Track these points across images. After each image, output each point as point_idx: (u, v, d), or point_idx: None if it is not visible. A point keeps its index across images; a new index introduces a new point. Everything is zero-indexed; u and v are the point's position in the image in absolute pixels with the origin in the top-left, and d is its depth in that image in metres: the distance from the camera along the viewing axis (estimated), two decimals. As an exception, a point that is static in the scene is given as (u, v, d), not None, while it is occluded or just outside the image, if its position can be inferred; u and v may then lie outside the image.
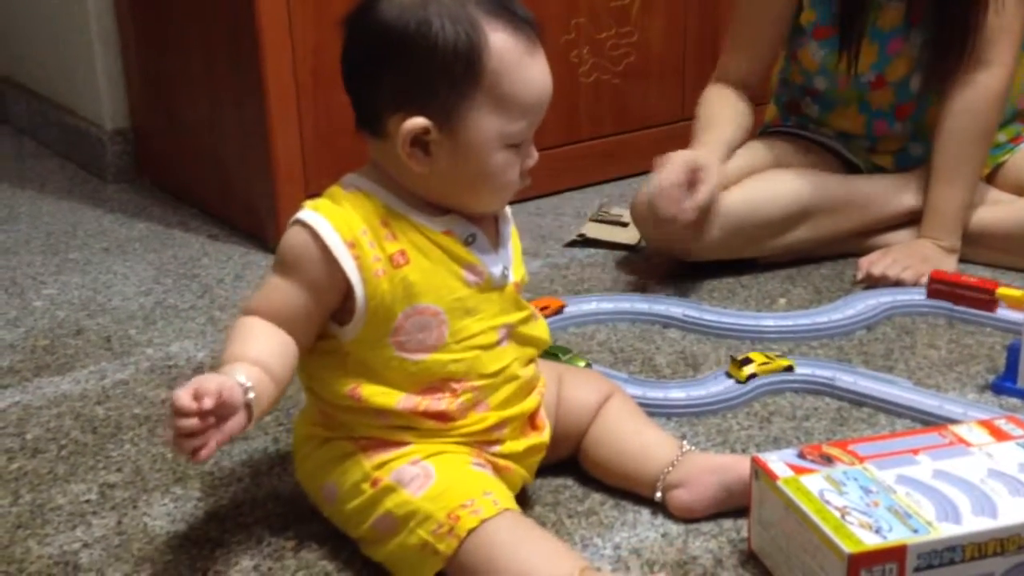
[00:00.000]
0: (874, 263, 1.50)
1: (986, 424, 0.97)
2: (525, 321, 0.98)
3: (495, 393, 0.95)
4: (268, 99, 1.63)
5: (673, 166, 1.42)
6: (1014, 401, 1.20)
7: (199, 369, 1.31)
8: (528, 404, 0.98)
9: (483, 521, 0.86)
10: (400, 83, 0.88)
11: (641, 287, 1.53)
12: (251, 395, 0.84)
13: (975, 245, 1.55)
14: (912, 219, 1.58)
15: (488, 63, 0.87)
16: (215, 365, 1.31)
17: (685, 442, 1.04)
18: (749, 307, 1.45)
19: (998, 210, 1.57)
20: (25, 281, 1.62)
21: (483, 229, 0.94)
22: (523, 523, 0.89)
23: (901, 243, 1.55)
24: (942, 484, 0.88)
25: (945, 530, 0.82)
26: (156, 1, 1.90)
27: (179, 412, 0.80)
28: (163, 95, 1.96)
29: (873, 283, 1.49)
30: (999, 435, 0.95)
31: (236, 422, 0.84)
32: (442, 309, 0.91)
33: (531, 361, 1.00)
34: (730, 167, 1.54)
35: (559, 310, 1.40)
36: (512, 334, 0.97)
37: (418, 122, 0.87)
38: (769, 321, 1.38)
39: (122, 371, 1.32)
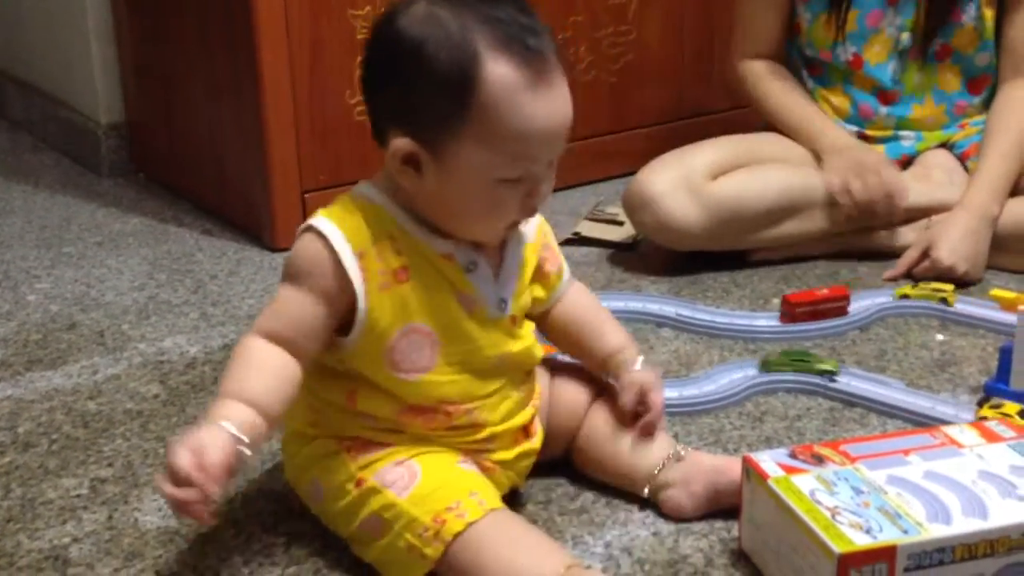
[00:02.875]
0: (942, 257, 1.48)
1: (977, 425, 0.97)
2: (520, 350, 0.96)
3: (491, 412, 0.94)
4: (264, 94, 1.63)
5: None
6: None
7: (191, 365, 1.31)
8: (521, 418, 0.97)
9: (469, 524, 0.86)
10: (394, 99, 0.86)
11: (635, 286, 1.53)
12: (247, 452, 0.84)
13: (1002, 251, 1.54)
14: (904, 218, 1.58)
15: (479, 97, 0.83)
16: (211, 358, 1.31)
17: (676, 441, 1.04)
18: (743, 307, 1.45)
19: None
20: (18, 275, 1.62)
21: (486, 256, 0.93)
22: (509, 522, 0.88)
23: (950, 225, 1.50)
24: (933, 485, 0.88)
25: (935, 531, 0.82)
26: (152, -5, 1.90)
27: (179, 482, 0.80)
28: (159, 90, 1.95)
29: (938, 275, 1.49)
30: (990, 436, 0.95)
31: (232, 480, 0.85)
32: (435, 331, 0.90)
33: (526, 378, 0.99)
34: (725, 160, 1.55)
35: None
36: (506, 359, 0.95)
37: (405, 143, 0.86)
38: (762, 321, 1.38)
39: (114, 366, 1.32)
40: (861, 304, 1.41)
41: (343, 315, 0.90)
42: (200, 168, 1.87)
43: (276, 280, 1.57)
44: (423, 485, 0.89)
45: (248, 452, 0.84)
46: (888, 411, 1.17)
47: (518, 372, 0.97)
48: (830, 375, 1.21)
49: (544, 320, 1.04)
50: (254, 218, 1.73)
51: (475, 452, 0.94)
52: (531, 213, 0.91)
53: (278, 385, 0.88)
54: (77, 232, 1.79)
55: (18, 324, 1.45)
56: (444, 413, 0.92)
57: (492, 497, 0.89)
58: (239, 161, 1.74)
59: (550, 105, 0.85)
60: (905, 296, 1.42)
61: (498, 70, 0.83)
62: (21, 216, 1.88)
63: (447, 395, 0.92)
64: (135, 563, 0.95)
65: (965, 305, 1.41)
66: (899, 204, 1.54)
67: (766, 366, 1.23)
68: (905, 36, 1.60)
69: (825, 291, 1.39)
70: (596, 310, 1.07)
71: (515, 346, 0.96)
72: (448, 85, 0.83)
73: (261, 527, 1.00)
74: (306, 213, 1.70)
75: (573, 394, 1.04)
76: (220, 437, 0.83)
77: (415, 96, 0.85)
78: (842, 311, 1.38)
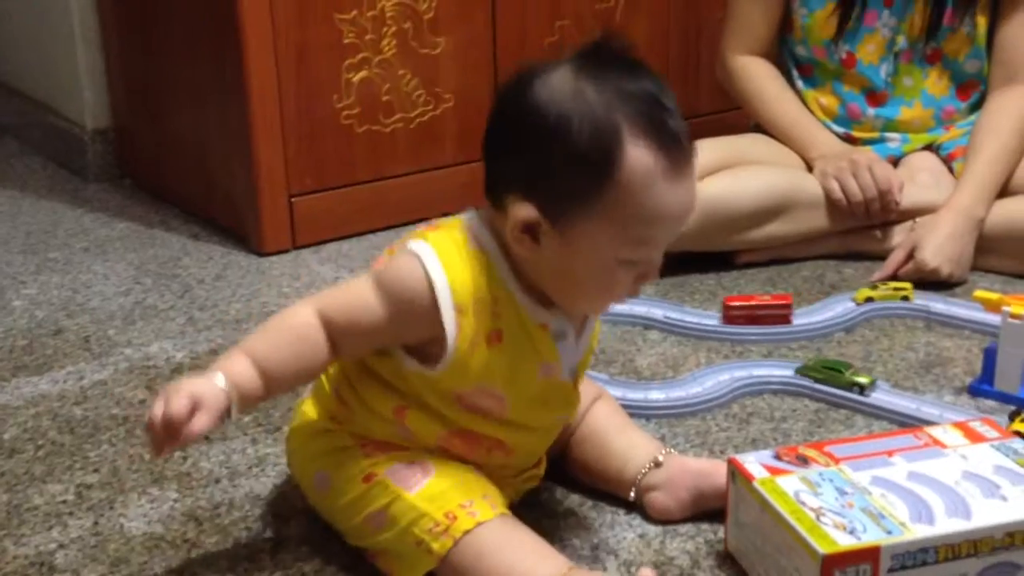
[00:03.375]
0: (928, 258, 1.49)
1: (961, 426, 0.98)
2: (573, 410, 0.99)
3: (526, 457, 0.97)
4: (250, 99, 1.63)
5: None
6: (991, 403, 1.20)
7: (177, 370, 1.31)
8: (540, 454, 1.00)
9: (479, 524, 0.86)
10: (525, 168, 0.84)
11: (622, 289, 1.53)
12: (232, 414, 0.87)
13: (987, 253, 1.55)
14: (888, 220, 1.59)
15: (618, 178, 0.81)
16: (197, 363, 1.31)
17: (664, 444, 1.04)
18: (729, 309, 1.46)
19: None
20: (4, 280, 1.61)
21: (573, 325, 0.92)
22: (515, 527, 0.89)
23: (935, 227, 1.51)
24: (916, 486, 0.88)
25: (919, 531, 0.83)
26: (139, 0, 1.90)
27: (166, 424, 0.83)
28: (145, 95, 1.95)
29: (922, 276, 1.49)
30: (974, 437, 0.96)
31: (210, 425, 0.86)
32: (508, 396, 0.90)
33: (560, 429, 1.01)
34: (711, 161, 1.56)
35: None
36: (561, 420, 0.98)
37: (530, 212, 0.83)
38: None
39: (100, 371, 1.31)
40: (846, 306, 1.41)
41: (417, 344, 0.89)
42: (187, 173, 1.87)
43: (263, 284, 1.58)
44: (436, 483, 0.89)
45: (233, 414, 0.87)
46: (873, 412, 1.18)
47: (561, 427, 0.99)
48: (860, 388, 1.19)
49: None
50: (241, 222, 1.73)
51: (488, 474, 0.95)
52: (637, 293, 0.90)
53: (296, 357, 0.89)
54: (63, 238, 1.79)
55: (4, 330, 1.44)
56: (487, 447, 0.93)
57: (501, 503, 0.90)
58: (226, 165, 1.74)
59: (682, 193, 0.84)
60: (869, 299, 1.42)
61: (640, 154, 0.81)
62: (7, 221, 1.87)
63: (498, 437, 0.93)
64: (121, 569, 0.95)
65: (950, 306, 1.42)
66: (895, 199, 1.55)
67: (802, 371, 1.23)
68: (900, 38, 1.61)
69: (767, 297, 1.39)
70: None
71: (572, 407, 0.98)
72: (588, 163, 0.81)
73: (248, 532, 0.99)
74: (293, 217, 1.70)
75: None
76: (219, 400, 0.85)
77: (550, 168, 0.82)
78: (783, 319, 1.37)
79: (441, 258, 0.86)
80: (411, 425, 0.91)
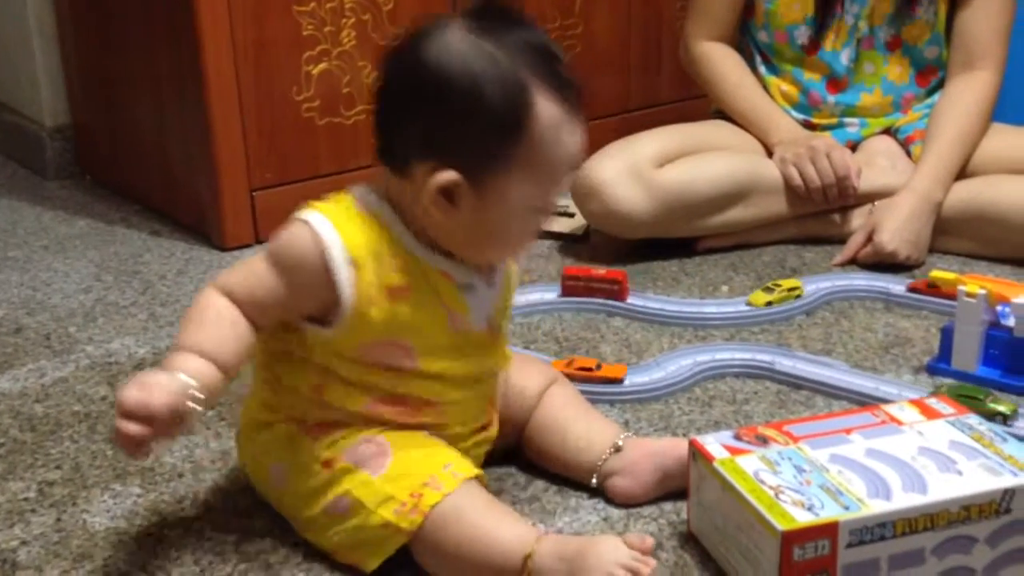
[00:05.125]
0: (887, 241, 1.51)
1: (917, 403, 0.99)
2: (497, 361, 0.98)
3: (459, 416, 0.96)
4: (209, 93, 1.62)
5: None
6: (949, 382, 1.22)
7: (140, 366, 1.30)
8: (482, 418, 0.99)
9: (445, 496, 0.87)
10: (438, 133, 0.85)
11: (586, 277, 1.54)
12: (198, 405, 0.84)
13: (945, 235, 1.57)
14: (847, 205, 1.60)
15: (531, 129, 0.84)
16: (159, 359, 1.30)
17: (622, 428, 1.05)
18: (692, 295, 1.47)
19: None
20: (-37, 280, 1.60)
21: (480, 275, 0.93)
22: (481, 492, 0.90)
23: (893, 209, 1.53)
24: (874, 462, 0.89)
25: (876, 506, 0.84)
26: (95, -5, 1.88)
27: (125, 415, 0.82)
28: (104, 91, 1.93)
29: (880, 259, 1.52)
30: (930, 413, 0.97)
31: (180, 427, 0.84)
32: (416, 347, 0.91)
33: (494, 383, 1.00)
34: (672, 148, 1.57)
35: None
36: (483, 371, 0.97)
37: (450, 176, 0.84)
38: (712, 308, 1.39)
39: (62, 369, 1.30)
40: (806, 289, 1.41)
41: (317, 311, 0.89)
42: (147, 169, 1.85)
43: (226, 279, 1.57)
44: (397, 463, 0.89)
45: (200, 396, 0.84)
46: (833, 392, 1.19)
47: (490, 380, 0.99)
48: (1004, 418, 1.10)
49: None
50: (202, 218, 1.72)
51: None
52: (537, 235, 0.93)
53: (235, 339, 0.88)
54: (23, 236, 1.77)
55: (-37, 329, 1.43)
56: (414, 408, 0.93)
57: (465, 467, 0.91)
58: (186, 161, 1.73)
59: (579, 133, 0.89)
60: (769, 303, 1.38)
61: (548, 107, 0.85)
62: (-35, 221, 1.85)
63: (420, 394, 0.93)
64: (84, 564, 0.94)
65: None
66: (852, 185, 1.56)
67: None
68: (863, 24, 1.63)
69: (602, 272, 1.42)
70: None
71: (493, 358, 0.97)
72: (503, 119, 0.83)
73: (212, 525, 0.99)
74: (255, 211, 1.69)
75: (525, 383, 1.05)
76: (171, 381, 0.84)
77: (464, 129, 0.84)
78: (616, 295, 1.40)
79: (331, 219, 0.88)
80: (330, 400, 0.91)
